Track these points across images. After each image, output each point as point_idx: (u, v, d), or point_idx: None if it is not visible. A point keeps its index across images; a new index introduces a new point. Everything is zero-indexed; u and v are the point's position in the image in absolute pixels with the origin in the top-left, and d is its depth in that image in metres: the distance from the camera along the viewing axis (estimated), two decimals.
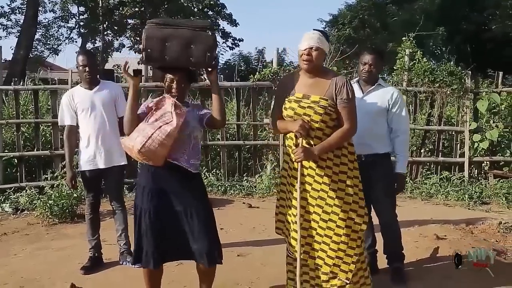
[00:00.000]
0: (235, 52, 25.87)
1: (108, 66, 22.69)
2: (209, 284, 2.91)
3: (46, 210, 5.33)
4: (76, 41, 23.16)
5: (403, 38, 7.83)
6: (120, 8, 19.62)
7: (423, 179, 6.86)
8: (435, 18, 19.10)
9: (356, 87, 3.36)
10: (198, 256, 2.75)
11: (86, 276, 3.75)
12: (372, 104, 3.32)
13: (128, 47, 23.09)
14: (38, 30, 19.44)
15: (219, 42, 22.34)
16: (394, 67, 7.36)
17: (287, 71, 7.03)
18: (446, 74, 6.95)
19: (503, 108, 7.12)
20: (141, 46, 2.70)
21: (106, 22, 20.55)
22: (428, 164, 7.15)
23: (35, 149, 6.66)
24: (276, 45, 37.40)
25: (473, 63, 11.98)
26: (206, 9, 22.98)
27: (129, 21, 21.31)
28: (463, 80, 6.95)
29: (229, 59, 25.88)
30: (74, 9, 21.97)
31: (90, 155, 3.83)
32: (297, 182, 2.75)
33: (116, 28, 21.60)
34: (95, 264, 3.91)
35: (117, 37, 22.97)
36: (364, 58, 3.36)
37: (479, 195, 6.33)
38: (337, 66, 7.79)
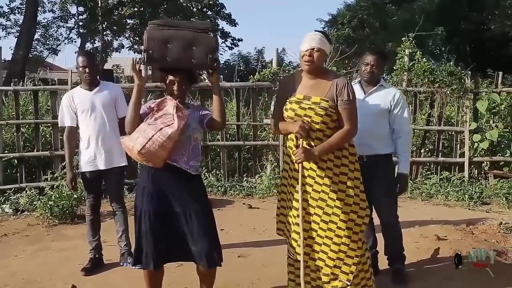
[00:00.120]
0: (234, 52, 25.91)
1: (107, 66, 22.71)
2: (210, 285, 2.91)
3: (46, 211, 5.32)
4: (75, 41, 23.18)
5: (403, 39, 7.82)
6: (119, 8, 19.61)
7: (423, 179, 6.85)
8: (434, 18, 19.11)
9: (358, 88, 3.37)
10: (197, 258, 2.75)
11: (86, 277, 3.75)
12: (374, 105, 3.33)
13: (128, 47, 23.08)
14: (37, 30, 19.44)
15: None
16: (394, 67, 7.36)
17: (286, 71, 7.03)
18: (446, 74, 6.94)
19: (503, 108, 7.11)
20: (142, 47, 2.69)
21: (105, 22, 20.54)
22: (428, 164, 7.15)
23: (35, 150, 6.66)
24: (275, 45, 37.42)
25: (472, 62, 11.98)
26: (205, 9, 22.97)
27: (128, 21, 21.30)
28: (463, 80, 6.95)
29: (228, 59, 25.92)
30: (73, 9, 21.99)
31: (90, 156, 3.82)
32: (298, 183, 2.75)
33: (115, 28, 21.58)
34: (96, 265, 3.91)
35: (116, 37, 22.97)
36: (366, 58, 3.36)
37: (479, 195, 6.32)
38: (336, 66, 7.77)
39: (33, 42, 18.88)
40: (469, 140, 6.88)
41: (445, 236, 4.31)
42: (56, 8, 21.95)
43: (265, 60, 23.13)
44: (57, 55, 23.78)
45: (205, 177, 6.59)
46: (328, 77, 2.78)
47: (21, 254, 4.37)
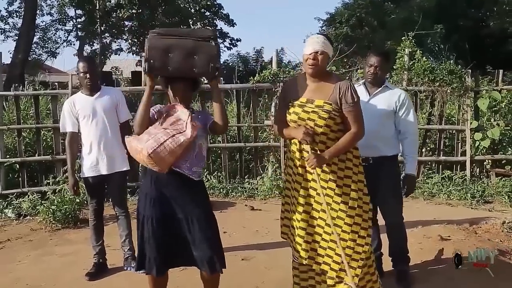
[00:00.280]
0: (232, 52, 25.92)
1: (106, 68, 22.71)
2: None
3: (49, 215, 5.32)
4: (73, 44, 23.20)
5: (403, 38, 7.82)
6: (117, 11, 19.61)
7: (425, 178, 6.85)
8: (432, 16, 19.11)
9: (362, 89, 3.36)
10: (200, 264, 2.76)
11: (91, 282, 3.76)
12: (379, 106, 3.32)
13: (126, 49, 23.09)
14: (36, 34, 19.42)
15: None
16: (394, 67, 7.36)
17: (286, 72, 7.03)
18: (446, 73, 6.94)
19: (503, 106, 7.11)
20: (143, 56, 2.70)
21: (104, 25, 20.53)
22: (429, 163, 7.14)
23: (36, 154, 6.66)
24: (274, 44, 37.41)
25: (471, 60, 11.98)
26: (203, 10, 22.98)
27: (126, 23, 21.30)
28: (463, 79, 6.95)
29: (227, 60, 25.92)
30: (71, 12, 22.01)
31: (93, 162, 3.82)
32: (300, 187, 2.76)
33: (113, 30, 21.59)
34: (100, 270, 3.91)
35: (115, 40, 22.97)
36: (370, 60, 3.35)
37: (481, 194, 6.32)
38: (336, 65, 7.76)
39: (32, 46, 18.86)
40: (470, 138, 6.88)
41: (449, 236, 4.30)
42: (54, 11, 22.00)
43: (264, 60, 23.18)
44: (55, 58, 23.85)
45: (206, 179, 6.59)
46: (331, 80, 2.78)
47: (24, 259, 4.37)
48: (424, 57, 7.44)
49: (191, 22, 21.83)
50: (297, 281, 2.97)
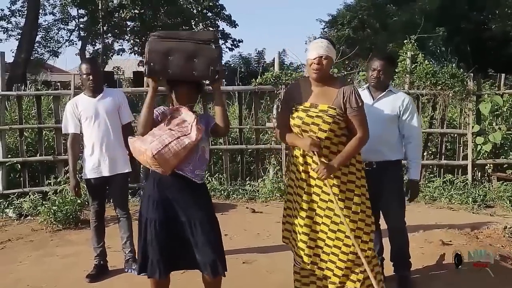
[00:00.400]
0: (234, 54, 25.92)
1: (107, 68, 22.73)
2: None
3: (50, 216, 5.32)
4: (76, 44, 23.20)
5: (405, 41, 7.81)
6: (120, 11, 19.63)
7: (426, 182, 6.84)
8: (434, 18, 19.09)
9: (366, 93, 3.35)
10: (202, 267, 2.76)
11: (91, 284, 3.76)
12: (383, 110, 3.31)
13: (129, 49, 23.11)
14: (38, 33, 19.42)
15: None
16: (396, 70, 7.35)
17: (288, 74, 7.02)
18: (448, 77, 6.94)
19: (505, 110, 7.10)
20: (144, 59, 2.70)
21: (106, 25, 20.56)
22: (431, 167, 7.14)
23: (38, 154, 6.66)
24: (275, 45, 37.41)
25: (473, 63, 11.97)
26: (205, 11, 23.00)
27: (129, 23, 21.32)
28: (465, 83, 6.95)
29: (229, 61, 25.92)
30: (73, 11, 22.00)
31: (95, 163, 3.83)
32: (304, 194, 2.76)
33: (116, 31, 21.61)
34: (101, 272, 3.91)
35: (117, 40, 22.99)
36: (373, 64, 3.34)
37: (483, 198, 6.31)
38: (337, 68, 7.76)
39: (34, 45, 18.87)
40: (472, 142, 6.86)
41: (450, 241, 4.29)
42: (57, 11, 21.99)
43: (265, 61, 23.15)
44: (57, 57, 23.86)
45: (208, 181, 6.59)
46: (335, 85, 2.77)
47: (25, 260, 4.37)
48: (426, 61, 7.44)
49: (193, 23, 21.86)
50: (298, 285, 2.97)
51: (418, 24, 11.50)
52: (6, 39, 21.75)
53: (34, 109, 7.01)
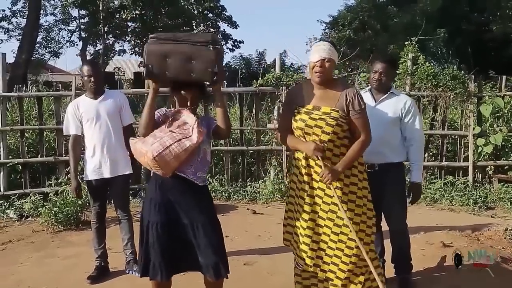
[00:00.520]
0: (235, 55, 25.95)
1: (108, 69, 22.74)
2: None
3: (51, 217, 5.32)
4: (77, 44, 23.22)
5: (406, 43, 7.81)
6: (121, 12, 19.65)
7: (427, 183, 6.83)
8: (435, 20, 19.09)
9: (368, 95, 3.36)
10: (205, 269, 2.75)
11: (92, 285, 3.76)
12: (385, 113, 3.31)
13: (130, 49, 23.12)
14: (39, 33, 19.45)
15: None
16: (397, 72, 7.35)
17: (289, 76, 7.03)
18: (449, 78, 6.94)
19: (506, 112, 7.10)
20: (142, 61, 2.70)
21: (107, 26, 20.57)
22: (432, 168, 7.13)
23: (39, 155, 6.67)
24: (276, 46, 37.43)
25: (474, 64, 11.97)
26: (206, 12, 23.02)
27: (130, 24, 21.34)
28: (466, 84, 6.95)
29: (230, 62, 25.94)
30: (74, 12, 22.04)
31: (96, 165, 3.83)
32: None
33: (117, 31, 21.63)
34: (102, 273, 3.91)
35: (118, 41, 23.01)
36: (375, 66, 3.35)
37: (483, 200, 6.30)
38: (338, 69, 7.76)
39: (35, 45, 18.89)
40: (473, 144, 6.86)
41: (451, 243, 4.28)
42: (58, 12, 22.01)
43: (266, 62, 23.16)
44: (58, 58, 23.88)
45: (208, 182, 6.59)
46: (337, 87, 2.78)
47: (26, 261, 4.37)
48: (427, 62, 7.44)
49: (194, 24, 21.88)
50: (299, 287, 2.96)
51: (419, 25, 11.50)
52: (7, 39, 21.77)
53: (35, 110, 7.02)
